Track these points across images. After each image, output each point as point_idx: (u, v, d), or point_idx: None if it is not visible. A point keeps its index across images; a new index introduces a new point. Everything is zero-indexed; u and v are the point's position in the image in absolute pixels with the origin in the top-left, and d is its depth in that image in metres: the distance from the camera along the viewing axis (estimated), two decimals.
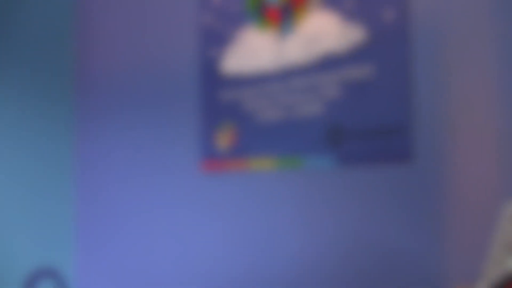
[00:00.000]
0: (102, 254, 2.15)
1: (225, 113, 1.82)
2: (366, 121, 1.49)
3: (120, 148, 2.13)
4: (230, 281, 1.78)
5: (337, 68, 1.56)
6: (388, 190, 1.43)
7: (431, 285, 1.33)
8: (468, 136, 1.30)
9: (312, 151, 1.60)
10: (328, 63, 1.58)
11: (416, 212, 1.37)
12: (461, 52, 1.32)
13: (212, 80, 1.86)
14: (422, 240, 1.35)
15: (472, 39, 1.30)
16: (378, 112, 1.46)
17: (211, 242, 1.84)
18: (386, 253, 1.42)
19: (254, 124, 1.74)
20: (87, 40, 2.28)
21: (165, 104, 2.01)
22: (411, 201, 1.38)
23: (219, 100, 1.84)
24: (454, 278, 1.29)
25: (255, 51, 1.75)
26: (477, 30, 1.30)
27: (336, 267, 1.52)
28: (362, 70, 1.51)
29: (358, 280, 1.47)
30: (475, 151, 1.28)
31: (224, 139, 1.82)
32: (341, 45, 1.55)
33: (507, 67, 1.25)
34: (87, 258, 2.20)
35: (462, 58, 1.32)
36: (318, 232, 1.57)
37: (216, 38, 1.85)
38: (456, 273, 1.29)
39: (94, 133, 2.23)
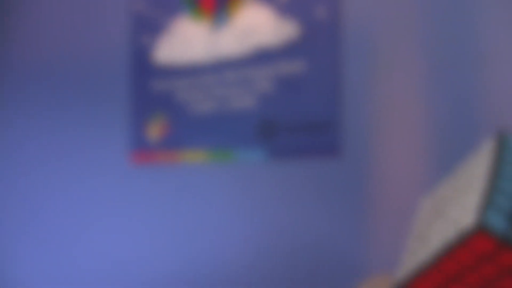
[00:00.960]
0: (22, 252, 2.03)
1: (157, 103, 1.78)
2: (297, 116, 1.51)
3: (43, 139, 2.02)
4: (162, 276, 1.75)
5: (270, 62, 1.57)
6: (317, 183, 1.46)
7: (355, 274, 1.38)
8: (393, 132, 1.35)
9: (244, 144, 1.60)
10: (261, 57, 1.58)
11: (343, 205, 1.41)
12: (390, 51, 1.37)
13: (143, 69, 1.81)
14: (347, 231, 1.40)
15: (401, 39, 1.36)
16: (309, 107, 1.49)
17: (140, 236, 1.80)
18: (313, 243, 1.45)
19: (186, 115, 1.72)
20: (6, 25, 2.13)
21: (93, 93, 1.93)
22: (339, 194, 1.42)
23: (150, 90, 1.79)
24: (376, 267, 1.35)
25: (188, 41, 1.72)
26: (406, 31, 1.35)
27: (266, 258, 1.53)
28: (294, 65, 1.52)
29: (287, 270, 1.49)
30: (399, 148, 1.34)
31: (155, 130, 1.78)
32: (275, 40, 1.56)
33: (432, 66, 1.31)
34: (4, 256, 2.07)
35: (391, 56, 1.37)
36: (249, 224, 1.58)
37: (149, 26, 1.80)
38: (378, 262, 1.34)
39: (12, 124, 2.10)
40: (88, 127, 1.93)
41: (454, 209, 0.78)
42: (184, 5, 1.73)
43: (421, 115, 1.31)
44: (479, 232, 0.66)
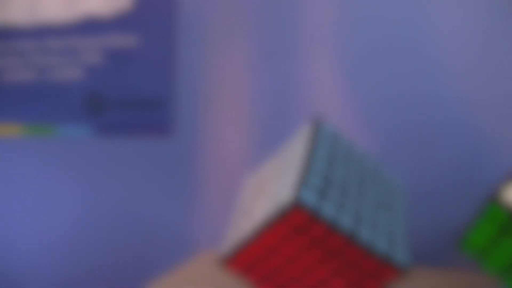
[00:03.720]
0: None
1: None
2: (128, 92, 1.46)
3: None
4: None
5: (99, 32, 1.47)
6: (147, 161, 1.44)
7: (185, 250, 1.41)
8: (223, 113, 1.40)
9: (68, 119, 1.49)
10: (89, 26, 1.48)
11: (172, 184, 1.42)
12: (224, 31, 1.41)
13: None
14: (177, 210, 1.42)
15: (236, 19, 1.41)
16: (140, 83, 1.45)
17: None
18: (142, 222, 1.44)
19: None
20: None
21: None
22: (169, 172, 1.43)
23: None
24: (205, 243, 1.40)
25: None
26: (242, 12, 1.40)
27: (92, 237, 1.47)
28: (125, 38, 1.46)
29: (114, 250, 1.45)
30: (227, 128, 1.40)
31: None
32: (105, 9, 1.47)
33: (263, 50, 1.39)
34: None
35: (225, 36, 1.41)
36: (73, 203, 1.48)
37: None
38: (207, 238, 1.40)
39: None
40: None
41: (274, 186, 0.85)
42: None
43: (250, 98, 1.39)
44: (295, 207, 0.74)
